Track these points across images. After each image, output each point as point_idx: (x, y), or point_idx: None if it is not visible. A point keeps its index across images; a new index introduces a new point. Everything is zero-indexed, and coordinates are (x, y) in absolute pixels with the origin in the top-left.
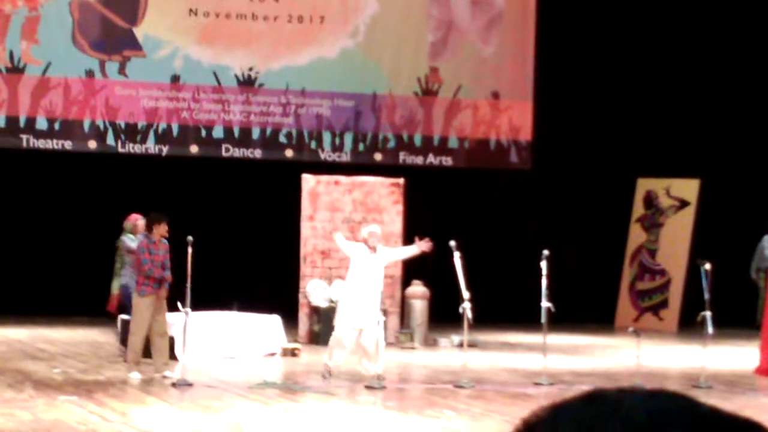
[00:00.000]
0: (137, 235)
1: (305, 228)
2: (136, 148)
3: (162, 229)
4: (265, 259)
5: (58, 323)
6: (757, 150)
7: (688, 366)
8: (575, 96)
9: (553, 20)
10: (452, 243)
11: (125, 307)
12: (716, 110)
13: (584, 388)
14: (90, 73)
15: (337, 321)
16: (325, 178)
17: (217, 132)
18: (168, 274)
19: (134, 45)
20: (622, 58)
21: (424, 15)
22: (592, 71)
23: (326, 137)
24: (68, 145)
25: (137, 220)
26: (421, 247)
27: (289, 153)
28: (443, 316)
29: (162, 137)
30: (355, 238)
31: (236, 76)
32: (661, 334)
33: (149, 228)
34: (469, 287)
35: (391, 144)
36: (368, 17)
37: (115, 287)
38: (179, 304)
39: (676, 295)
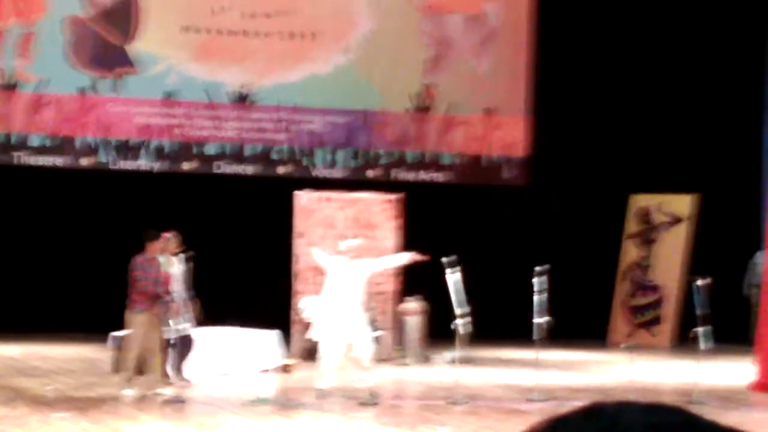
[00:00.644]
0: (167, 254)
1: (297, 244)
2: (128, 165)
3: (156, 246)
4: (258, 275)
5: (51, 340)
6: (750, 166)
7: (681, 382)
8: (569, 112)
9: (548, 36)
10: (445, 259)
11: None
12: (708, 127)
13: (578, 403)
14: (83, 90)
15: (321, 337)
16: (317, 194)
17: (210, 148)
18: (162, 291)
19: (127, 62)
20: (616, 75)
21: (418, 32)
22: (586, 88)
23: (319, 154)
24: (61, 161)
25: (167, 238)
26: (415, 256)
27: (282, 169)
28: (438, 332)
29: (155, 154)
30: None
31: (229, 92)
32: (654, 349)
33: (145, 244)
34: (463, 303)
35: (384, 160)
36: (361, 34)
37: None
38: (171, 321)
39: (669, 311)
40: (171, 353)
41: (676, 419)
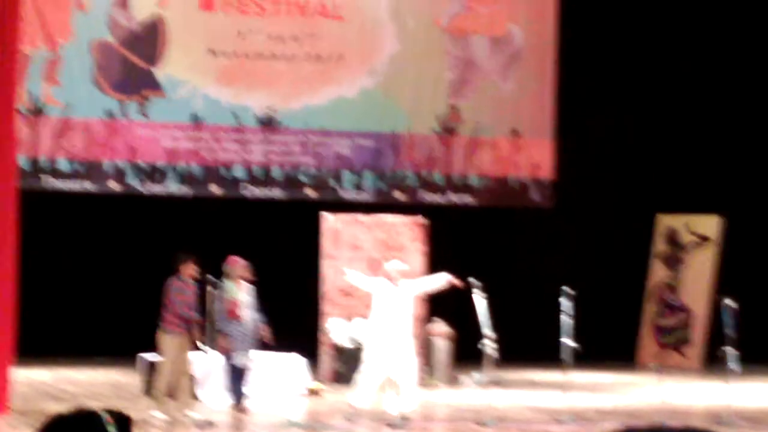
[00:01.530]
0: (238, 280)
1: (325, 266)
2: (156, 189)
3: (190, 269)
4: (286, 297)
5: (81, 364)
6: None
7: (711, 403)
8: (595, 133)
9: (573, 57)
10: (472, 280)
11: (226, 353)
12: (736, 146)
13: (607, 425)
14: (110, 114)
15: (366, 359)
16: (345, 216)
17: (237, 172)
18: (197, 316)
19: (154, 85)
20: (642, 95)
21: (443, 53)
22: (612, 108)
23: (346, 176)
24: (89, 186)
25: (237, 264)
26: (451, 279)
27: (309, 192)
28: (466, 354)
29: (182, 177)
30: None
31: (256, 115)
32: (683, 370)
33: (178, 268)
34: (491, 325)
35: (411, 182)
36: (387, 56)
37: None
38: (200, 344)
39: (698, 331)
40: (229, 380)
41: None
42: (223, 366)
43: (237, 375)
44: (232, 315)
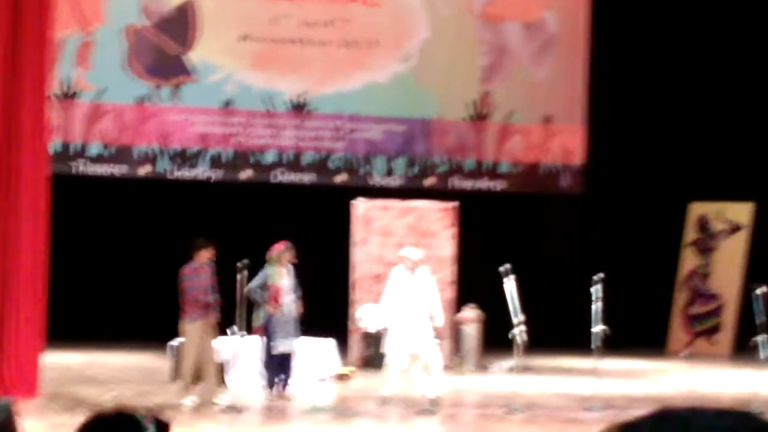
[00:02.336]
0: (281, 266)
1: (356, 253)
2: (187, 174)
3: (204, 255)
4: (316, 284)
5: (111, 348)
6: None
7: (741, 390)
8: (627, 120)
9: (606, 43)
10: (503, 267)
11: (270, 338)
12: None
13: (637, 413)
14: (142, 99)
15: (388, 347)
16: (376, 202)
17: (269, 157)
18: (214, 298)
19: (186, 70)
20: (674, 82)
21: (476, 39)
22: (645, 95)
23: (378, 162)
24: (121, 170)
25: (281, 250)
26: (440, 323)
27: (340, 178)
28: (495, 340)
29: (214, 162)
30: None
31: (288, 101)
32: (713, 358)
33: (192, 254)
34: (521, 311)
35: (443, 168)
36: (420, 42)
37: (258, 318)
38: (233, 328)
39: (729, 319)
40: (270, 368)
41: (748, 425)
42: (264, 351)
43: (275, 362)
44: (275, 301)
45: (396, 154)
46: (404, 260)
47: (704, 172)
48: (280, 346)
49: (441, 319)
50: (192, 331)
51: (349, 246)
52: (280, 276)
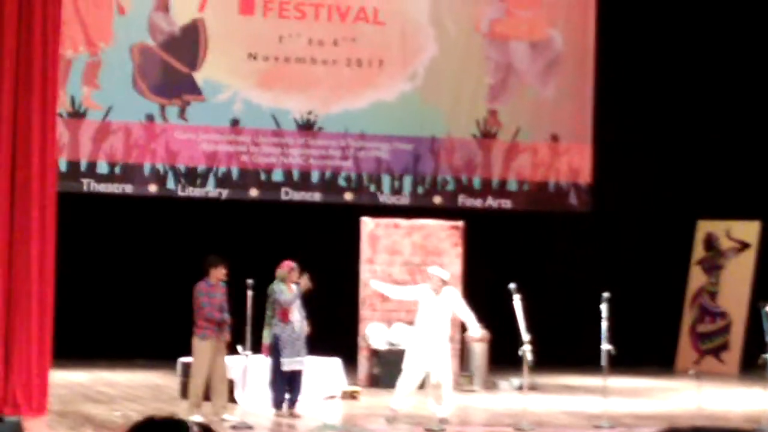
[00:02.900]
0: (290, 284)
1: (364, 271)
2: (195, 192)
3: (220, 272)
4: (325, 302)
5: (119, 366)
6: None
7: (749, 409)
8: (635, 138)
9: (613, 62)
10: (512, 286)
11: (278, 357)
12: None
13: (645, 431)
14: (150, 118)
15: (405, 364)
16: (384, 221)
17: (277, 175)
18: (227, 317)
19: (194, 89)
20: (682, 100)
21: (483, 58)
22: (652, 113)
23: (385, 180)
24: (129, 188)
25: (291, 268)
26: (477, 333)
27: (348, 196)
28: (503, 359)
29: (222, 181)
30: (414, 281)
31: (295, 119)
32: (722, 376)
33: (207, 271)
34: (529, 330)
35: (450, 187)
36: (427, 60)
37: (266, 336)
38: (239, 347)
39: (737, 337)
40: (280, 386)
41: None
42: (271, 369)
43: (284, 380)
44: (285, 319)
45: (403, 172)
46: (432, 278)
47: (712, 191)
48: (289, 364)
49: (478, 330)
50: (203, 348)
51: (358, 264)
52: (290, 293)
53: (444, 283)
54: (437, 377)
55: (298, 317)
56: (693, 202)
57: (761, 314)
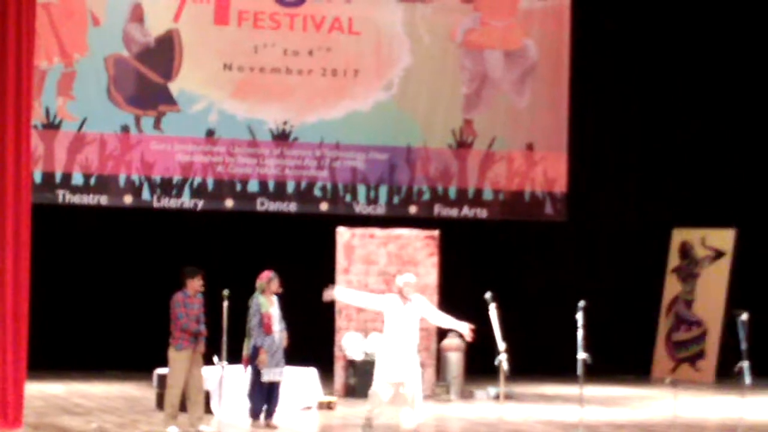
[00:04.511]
0: (269, 295)
1: (340, 281)
2: (171, 203)
3: (196, 283)
4: (301, 312)
5: (94, 378)
6: None
7: (725, 417)
8: (609, 146)
9: (587, 70)
10: (487, 295)
11: (256, 367)
12: (751, 160)
13: None
14: (125, 129)
15: (376, 374)
16: (359, 231)
17: (252, 186)
18: (203, 328)
19: (169, 100)
20: (657, 109)
21: (458, 67)
22: (627, 121)
23: (361, 190)
24: (104, 200)
25: (269, 278)
26: (464, 330)
27: (323, 206)
28: (479, 368)
29: (197, 192)
30: (390, 291)
31: (271, 129)
32: (698, 385)
33: (184, 282)
34: (505, 339)
35: (426, 197)
36: (402, 70)
37: (246, 348)
38: (215, 358)
39: (712, 345)
40: (259, 397)
41: None
42: (250, 380)
43: (263, 391)
44: (267, 329)
45: (379, 182)
46: (403, 288)
47: (687, 199)
48: (269, 375)
49: (465, 328)
50: (180, 359)
51: (334, 274)
52: (270, 304)
53: (408, 289)
54: (409, 387)
55: (278, 328)
56: (668, 211)
57: (736, 322)
